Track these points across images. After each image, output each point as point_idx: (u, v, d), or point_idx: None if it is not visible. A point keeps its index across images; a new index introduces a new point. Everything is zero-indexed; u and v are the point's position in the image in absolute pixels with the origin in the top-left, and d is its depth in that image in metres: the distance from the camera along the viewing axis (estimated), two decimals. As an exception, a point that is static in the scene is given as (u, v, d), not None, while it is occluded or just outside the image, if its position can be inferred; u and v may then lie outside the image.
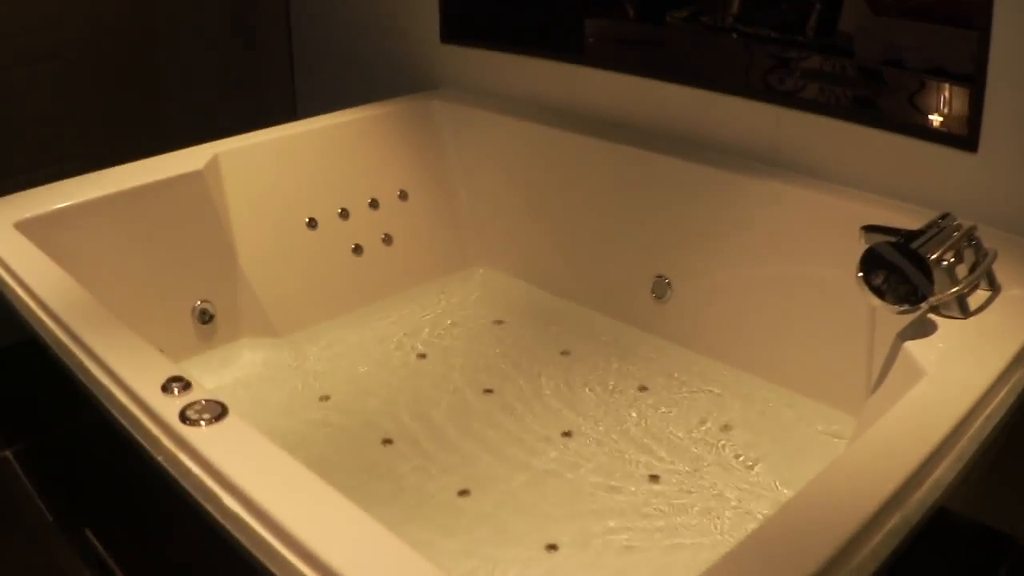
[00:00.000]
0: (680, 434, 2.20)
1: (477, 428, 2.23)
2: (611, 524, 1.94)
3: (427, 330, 2.61)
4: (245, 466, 1.33)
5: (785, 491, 2.01)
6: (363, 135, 2.72)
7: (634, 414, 2.27)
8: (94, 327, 1.67)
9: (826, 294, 2.26)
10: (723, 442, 2.18)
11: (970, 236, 1.81)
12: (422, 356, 2.50)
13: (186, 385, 1.47)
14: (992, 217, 2.04)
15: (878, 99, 2.29)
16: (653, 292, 2.55)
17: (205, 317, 2.41)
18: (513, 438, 2.20)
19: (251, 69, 3.53)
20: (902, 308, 1.68)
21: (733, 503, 1.99)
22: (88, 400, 1.60)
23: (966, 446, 1.43)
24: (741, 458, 2.12)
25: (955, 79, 2.14)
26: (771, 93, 2.37)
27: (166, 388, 1.47)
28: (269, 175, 2.53)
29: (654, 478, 2.07)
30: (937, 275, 1.70)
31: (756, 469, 2.09)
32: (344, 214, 2.65)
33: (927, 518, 1.30)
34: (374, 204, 2.72)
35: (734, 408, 2.30)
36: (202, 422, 1.40)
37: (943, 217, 1.87)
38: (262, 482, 1.29)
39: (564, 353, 2.51)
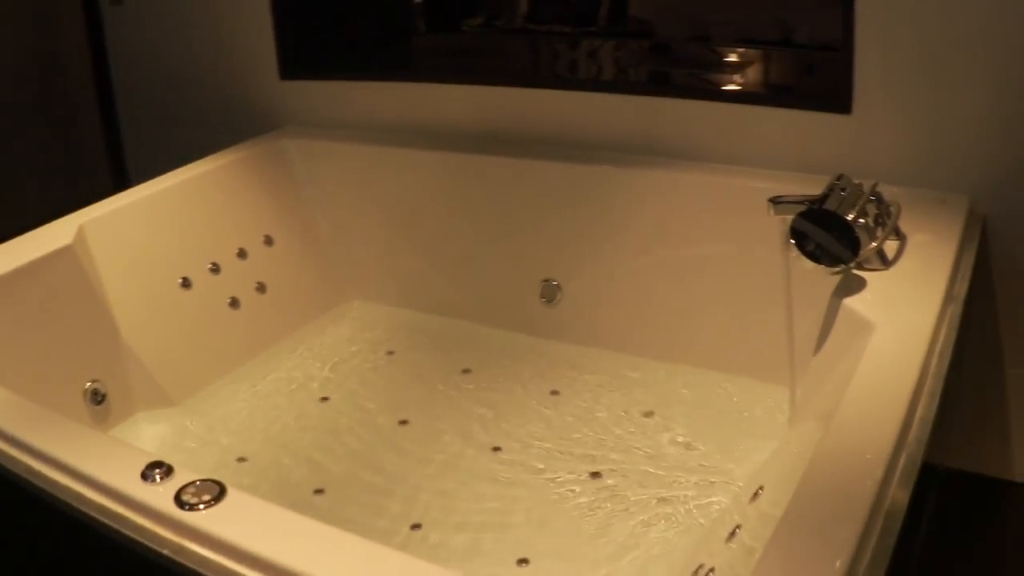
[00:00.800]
0: (607, 429, 2.24)
1: (404, 460, 2.20)
2: (581, 527, 1.96)
3: (321, 372, 2.55)
4: (269, 537, 1.27)
5: (730, 465, 2.09)
6: (219, 185, 2.63)
7: (555, 418, 2.30)
8: (24, 424, 1.55)
9: (722, 271, 2.36)
10: (651, 429, 2.23)
11: (872, 192, 1.92)
12: (325, 399, 2.44)
13: (168, 470, 1.39)
14: (871, 172, 2.10)
15: (729, 73, 2.42)
16: (542, 296, 2.58)
17: (97, 398, 2.27)
18: (446, 463, 2.18)
19: (66, 148, 3.37)
20: (837, 268, 1.78)
21: (686, 485, 2.05)
22: (52, 513, 1.46)
23: (934, 384, 1.54)
24: (676, 440, 2.18)
25: (820, 47, 2.29)
26: (638, 85, 2.46)
27: (147, 476, 1.38)
28: (137, 239, 2.41)
29: (595, 475, 2.10)
30: (858, 233, 1.80)
31: (694, 449, 2.15)
32: (215, 268, 2.55)
33: (925, 455, 1.41)
34: (242, 254, 2.63)
35: (650, 395, 2.36)
36: (201, 505, 1.32)
37: (839, 179, 1.97)
38: (293, 548, 1.24)
39: (466, 371, 2.51)
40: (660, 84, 2.46)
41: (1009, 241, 2.12)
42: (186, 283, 2.48)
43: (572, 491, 2.06)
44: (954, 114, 2.11)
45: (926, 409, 1.49)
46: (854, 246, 1.78)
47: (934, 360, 1.60)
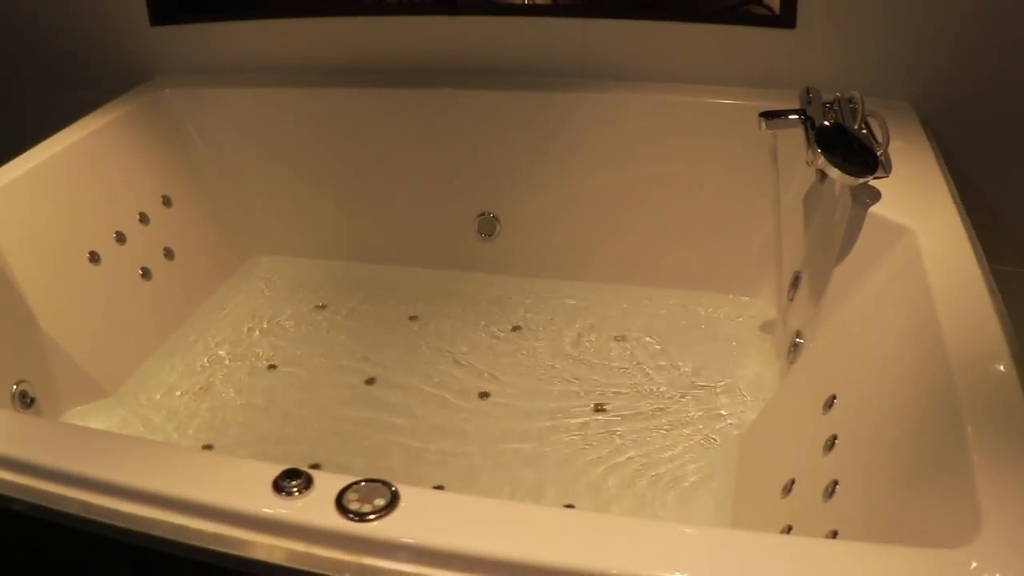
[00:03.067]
0: (586, 359, 2.14)
1: (395, 425, 1.99)
2: (613, 467, 1.84)
3: (255, 337, 2.28)
4: (477, 531, 1.07)
5: (723, 379, 2.04)
6: (107, 145, 2.26)
7: (527, 355, 2.17)
8: (51, 447, 1.24)
9: (672, 189, 2.27)
10: (630, 353, 2.14)
11: (851, 102, 1.88)
12: (273, 367, 2.18)
13: (306, 479, 1.14)
14: (815, 83, 2.04)
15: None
16: (480, 231, 2.42)
17: (26, 400, 1.93)
18: (441, 420, 1.99)
19: None
20: (864, 178, 1.73)
21: (689, 405, 1.98)
22: (155, 561, 1.16)
23: (989, 282, 1.51)
24: (660, 363, 2.11)
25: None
26: (568, 8, 2.30)
27: (283, 489, 1.13)
28: (34, 214, 2.04)
29: (600, 409, 2.00)
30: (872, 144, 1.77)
31: (680, 368, 2.09)
32: (120, 238, 2.21)
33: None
34: (144, 219, 2.29)
35: (614, 320, 2.26)
36: (372, 516, 1.08)
37: (809, 91, 1.93)
38: (508, 536, 1.06)
39: (413, 318, 2.32)
40: (593, 5, 2.31)
41: (949, 142, 2.13)
42: (94, 257, 2.13)
43: (585, 430, 1.94)
44: (891, 24, 2.10)
45: (1000, 308, 1.47)
46: (872, 157, 1.74)
47: (982, 259, 1.58)
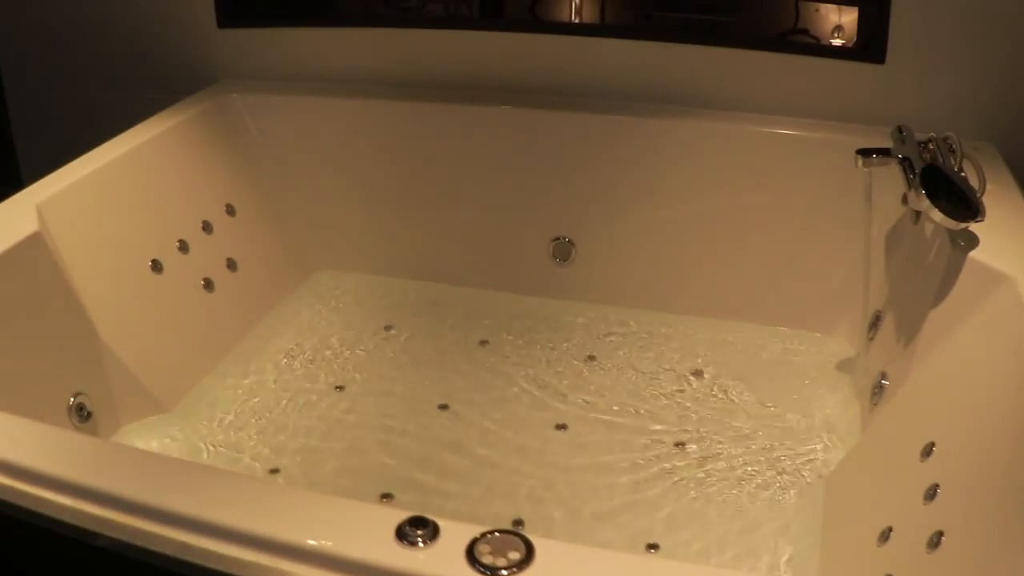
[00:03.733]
0: (664, 393, 2.01)
1: (470, 453, 1.86)
2: (704, 506, 1.72)
3: (321, 356, 2.14)
4: None
5: (803, 418, 1.93)
6: (172, 149, 2.14)
7: (602, 386, 2.04)
8: (133, 477, 1.12)
9: (754, 221, 2.16)
10: (708, 388, 2.02)
11: (948, 143, 1.80)
12: (340, 388, 2.05)
13: (433, 529, 1.01)
14: (900, 119, 1.99)
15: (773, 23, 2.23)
16: (555, 256, 2.29)
17: (83, 414, 1.80)
18: (519, 450, 1.87)
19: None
20: (967, 223, 1.62)
21: (773, 444, 1.86)
22: None
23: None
24: (741, 398, 1.99)
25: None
26: (656, 30, 2.19)
27: (406, 537, 1.00)
28: (98, 219, 1.92)
29: (679, 445, 1.87)
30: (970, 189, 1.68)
31: (763, 405, 1.97)
32: (183, 247, 2.09)
33: None
34: (207, 227, 2.17)
35: (691, 352, 2.14)
36: (506, 570, 0.96)
37: (902, 130, 1.87)
38: None
39: (483, 343, 2.19)
40: (682, 30, 2.20)
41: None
42: (156, 266, 2.01)
43: (669, 467, 1.81)
44: (979, 64, 2.01)
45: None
46: (971, 201, 1.64)
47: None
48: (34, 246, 1.73)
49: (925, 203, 1.65)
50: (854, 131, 2.08)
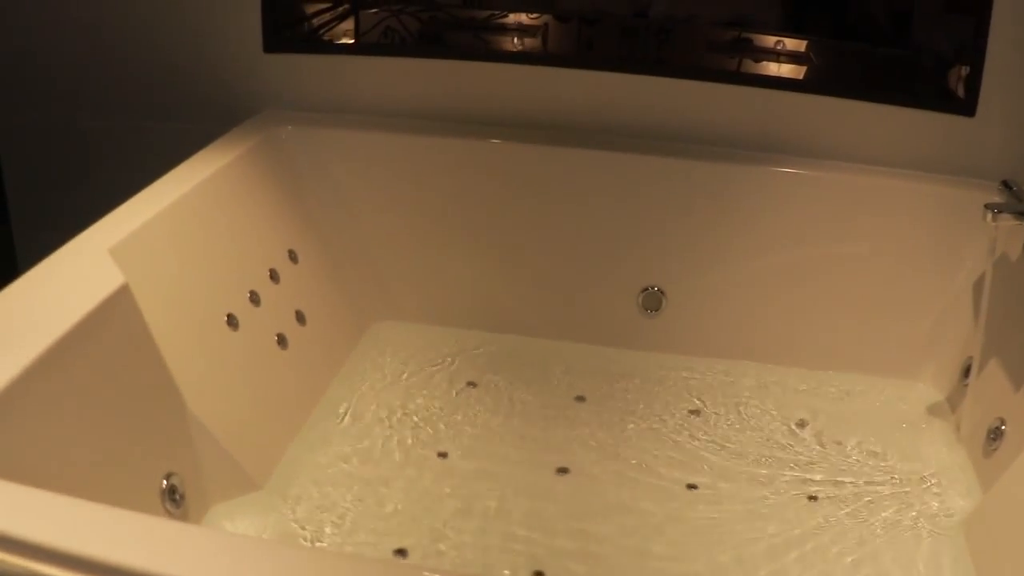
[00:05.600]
0: (778, 446, 1.83)
1: (606, 520, 1.62)
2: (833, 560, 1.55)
3: (410, 420, 1.85)
4: None
5: (921, 467, 1.78)
6: (232, 189, 1.83)
7: (714, 442, 1.83)
8: None
9: (850, 271, 2.01)
10: (817, 439, 1.86)
11: None
12: (443, 455, 1.76)
13: None
14: (987, 172, 1.95)
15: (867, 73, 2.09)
16: (644, 306, 2.06)
17: (176, 497, 1.48)
18: (660, 515, 1.64)
19: None
20: None
21: (899, 494, 1.71)
22: None
23: None
24: (855, 451, 1.83)
25: (947, 52, 2.01)
26: (747, 77, 2.01)
27: None
28: (173, 267, 1.59)
29: (812, 499, 1.69)
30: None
31: (877, 456, 1.81)
32: (255, 298, 1.77)
33: None
34: (274, 276, 1.86)
35: (792, 403, 1.96)
36: None
37: (1010, 184, 1.82)
38: None
39: (580, 399, 1.94)
40: (770, 77, 2.03)
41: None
42: (232, 321, 1.69)
43: (795, 519, 1.64)
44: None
45: None
46: None
47: None
48: (122, 302, 1.41)
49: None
50: (944, 181, 1.98)
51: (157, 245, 1.58)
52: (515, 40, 2.26)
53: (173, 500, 1.47)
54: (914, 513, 1.67)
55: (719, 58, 2.22)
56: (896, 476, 1.77)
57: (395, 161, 2.07)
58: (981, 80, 1.93)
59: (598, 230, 2.04)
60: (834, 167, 2.00)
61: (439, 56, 2.08)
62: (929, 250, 2.00)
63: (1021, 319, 1.77)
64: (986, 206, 1.72)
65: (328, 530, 1.56)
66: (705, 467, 1.77)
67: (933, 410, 1.97)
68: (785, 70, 2.16)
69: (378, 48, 2.09)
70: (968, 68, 1.94)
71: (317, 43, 2.08)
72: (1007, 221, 1.71)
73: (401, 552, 1.53)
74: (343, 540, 1.54)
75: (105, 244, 1.50)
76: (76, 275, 1.42)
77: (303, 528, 1.56)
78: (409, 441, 1.79)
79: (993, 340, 1.82)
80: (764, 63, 2.18)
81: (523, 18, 2.27)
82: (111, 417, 1.36)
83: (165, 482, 1.46)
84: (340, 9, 2.20)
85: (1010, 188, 1.81)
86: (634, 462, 1.77)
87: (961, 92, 1.95)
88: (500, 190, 2.06)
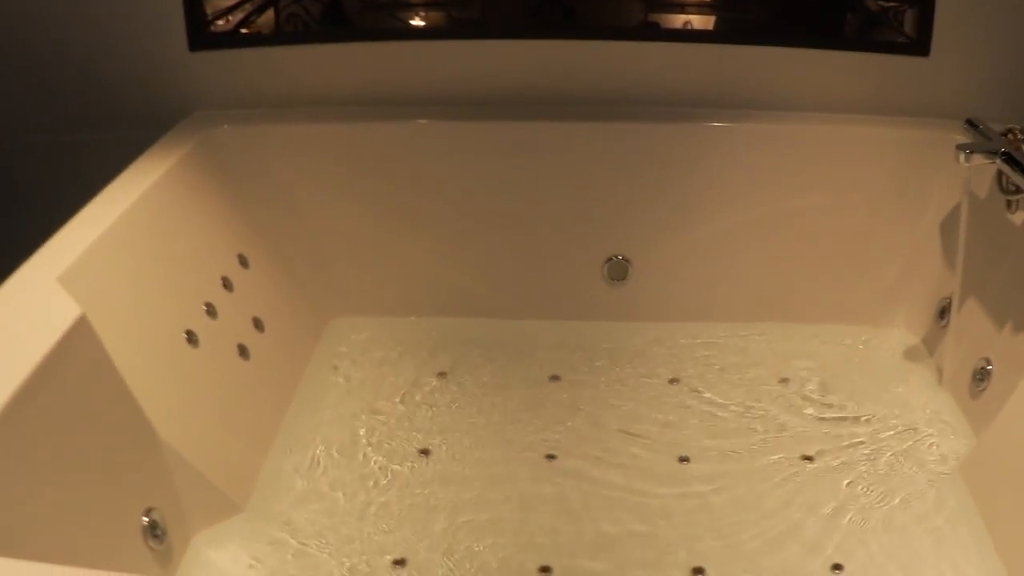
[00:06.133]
0: (764, 406, 1.80)
1: (603, 503, 1.57)
2: (838, 516, 1.54)
3: (384, 418, 1.77)
4: None
5: (904, 413, 1.78)
6: (175, 197, 1.71)
7: (699, 408, 1.80)
8: None
9: (817, 222, 1.98)
10: (803, 395, 1.84)
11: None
12: (425, 452, 1.69)
13: None
14: (945, 111, 1.94)
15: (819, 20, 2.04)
16: (611, 276, 2.00)
17: (157, 532, 1.38)
18: (639, 493, 1.60)
19: None
20: None
21: (893, 444, 1.70)
22: None
23: None
24: (842, 404, 1.81)
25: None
26: (695, 32, 1.94)
27: None
28: (124, 290, 1.47)
29: (807, 458, 1.67)
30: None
31: (858, 405, 1.81)
32: (211, 311, 1.67)
33: None
34: (227, 284, 1.75)
35: (770, 360, 1.93)
36: None
37: (976, 123, 1.79)
38: None
39: (555, 378, 1.88)
40: (728, 30, 1.97)
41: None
42: (192, 338, 1.59)
43: (805, 483, 1.61)
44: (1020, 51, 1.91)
45: None
46: None
47: None
48: (81, 334, 1.30)
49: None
50: (903, 124, 1.96)
51: (107, 268, 1.47)
52: (451, 14, 2.18)
53: (155, 536, 1.37)
54: (910, 462, 1.67)
55: (663, 16, 2.15)
56: (887, 425, 1.76)
57: (336, 151, 1.97)
58: (933, 19, 1.90)
59: (555, 203, 1.98)
60: (792, 118, 1.95)
61: (366, 39, 1.97)
62: (893, 194, 1.98)
63: (998, 257, 1.76)
64: (958, 147, 1.68)
65: (320, 545, 1.48)
66: (694, 437, 1.73)
67: (911, 355, 1.97)
68: (731, 22, 2.11)
69: (306, 36, 1.98)
70: (919, 7, 1.91)
71: (243, 37, 1.96)
72: (978, 161, 1.68)
73: (400, 563, 1.46)
74: (338, 554, 1.47)
75: (52, 272, 1.38)
76: (28, 309, 1.30)
77: (294, 546, 1.48)
78: (388, 441, 1.71)
79: (971, 280, 1.81)
80: (709, 17, 2.13)
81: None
82: (83, 459, 1.26)
83: (146, 518, 1.36)
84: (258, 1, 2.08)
85: (976, 127, 1.78)
86: (621, 441, 1.72)
87: (914, 32, 1.93)
88: (447, 171, 1.98)
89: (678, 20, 2.16)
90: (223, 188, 1.86)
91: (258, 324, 1.79)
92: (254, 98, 1.98)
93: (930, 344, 1.94)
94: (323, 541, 1.49)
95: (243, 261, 1.83)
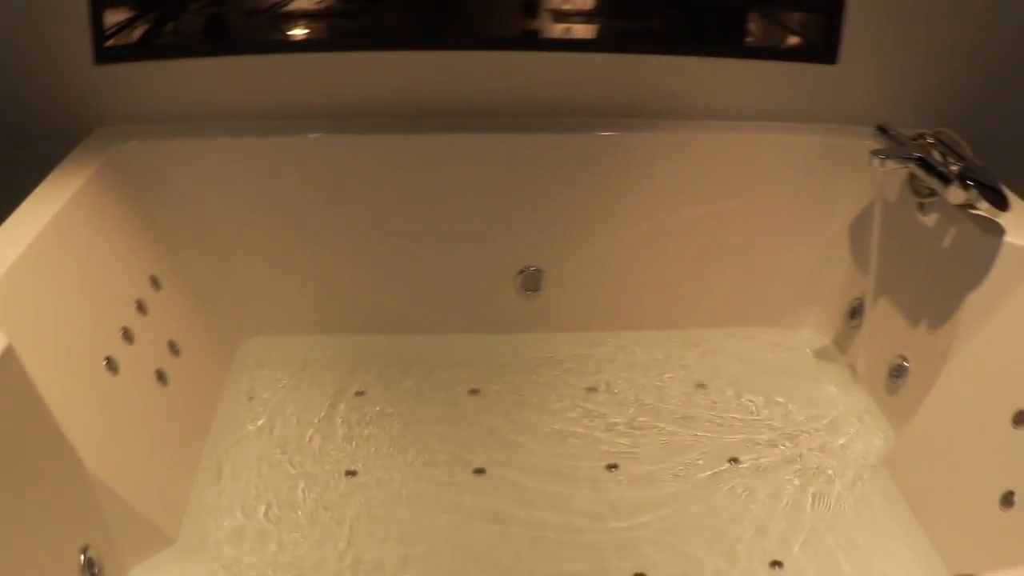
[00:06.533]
0: (684, 413, 1.84)
1: (535, 518, 1.57)
2: (772, 519, 1.59)
3: (305, 442, 1.72)
4: None
5: (822, 412, 1.85)
6: (86, 217, 1.62)
7: (619, 416, 1.82)
8: None
9: (728, 227, 2.04)
10: (722, 398, 1.89)
11: (939, 137, 1.81)
12: (352, 474, 1.66)
13: None
14: (854, 117, 2.03)
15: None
16: (524, 287, 2.02)
17: (95, 570, 1.30)
18: (572, 499, 1.62)
19: None
20: (1007, 210, 1.63)
21: (817, 443, 1.77)
22: None
23: None
24: (760, 406, 1.87)
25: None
26: (604, 42, 1.97)
27: None
28: (43, 317, 1.39)
29: (734, 461, 1.72)
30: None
31: (775, 406, 1.87)
32: (127, 335, 1.59)
33: None
34: (142, 308, 1.68)
35: (686, 365, 1.98)
36: None
37: (887, 129, 1.87)
38: None
39: (474, 392, 1.88)
40: (637, 41, 2.00)
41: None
42: (111, 365, 1.51)
43: (742, 483, 1.67)
44: (928, 57, 2.01)
45: None
46: (999, 190, 1.65)
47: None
48: (9, 365, 1.23)
49: (969, 195, 1.63)
50: (812, 131, 2.03)
51: (23, 295, 1.38)
52: (345, 22, 2.15)
53: (93, 574, 1.31)
54: (834, 458, 1.73)
55: (574, 27, 2.18)
56: (808, 423, 1.83)
57: (240, 166, 1.91)
58: (841, 28, 1.97)
59: (465, 216, 1.98)
60: (702, 126, 2.00)
61: (273, 51, 1.93)
62: (802, 199, 2.05)
63: (910, 258, 1.84)
64: (872, 152, 1.74)
65: (256, 570, 1.45)
66: (618, 443, 1.76)
67: (822, 354, 2.06)
68: (640, 32, 2.15)
69: (225, 47, 1.91)
70: (827, 16, 1.97)
71: (152, 49, 1.88)
72: (892, 166, 1.74)
73: (343, 586, 1.44)
74: (275, 582, 1.44)
75: (-40, 302, 1.31)
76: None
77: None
78: (310, 464, 1.67)
79: (884, 280, 1.90)
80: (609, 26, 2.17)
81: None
82: (17, 498, 1.19)
83: (82, 557, 1.30)
84: (159, 12, 2.00)
85: (886, 132, 1.85)
86: (546, 451, 1.73)
87: (822, 41, 1.99)
88: (357, 185, 1.95)
89: (587, 30, 2.19)
90: (133, 206, 1.78)
91: (173, 348, 1.72)
92: (161, 113, 1.90)
93: (841, 344, 2.03)
94: (259, 572, 1.45)
95: (155, 283, 1.76)
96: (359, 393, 1.86)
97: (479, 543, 1.52)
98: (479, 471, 1.67)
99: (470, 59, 1.93)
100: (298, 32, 2.12)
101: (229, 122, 1.93)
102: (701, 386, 1.92)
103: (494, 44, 1.92)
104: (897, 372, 1.82)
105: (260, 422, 1.77)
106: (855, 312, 2.00)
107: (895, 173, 1.83)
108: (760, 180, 2.01)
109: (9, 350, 1.23)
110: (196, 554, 1.46)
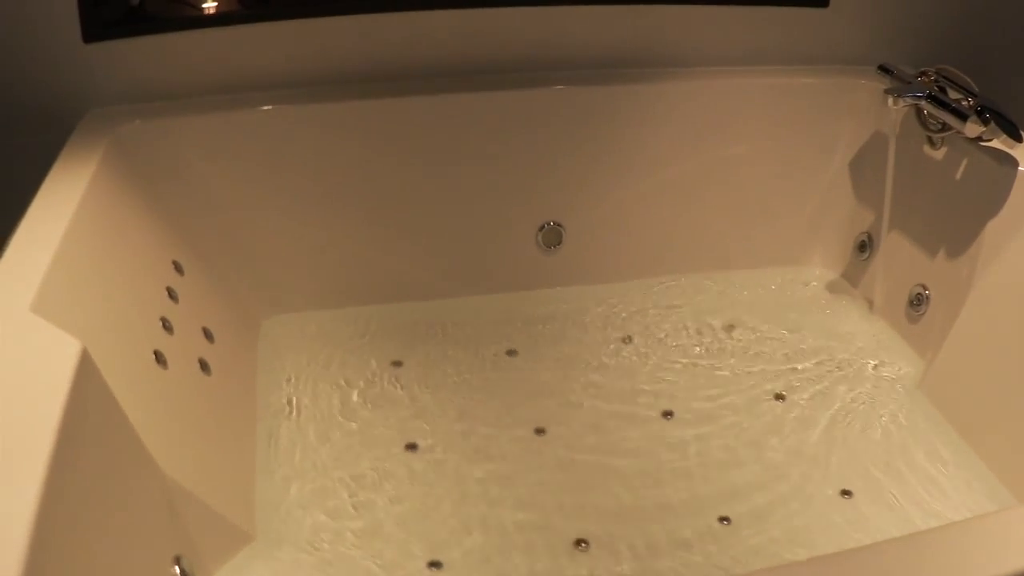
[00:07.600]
0: (721, 357, 1.82)
1: (604, 472, 1.53)
2: (830, 450, 1.60)
3: (355, 417, 1.63)
4: None
5: (848, 344, 1.86)
6: (106, 206, 1.47)
7: (663, 365, 1.79)
8: None
9: (736, 173, 2.00)
10: (756, 337, 1.88)
11: (943, 74, 1.80)
12: (412, 447, 1.57)
13: None
14: (847, 58, 2.02)
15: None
16: (545, 243, 1.94)
17: (189, 580, 1.21)
18: (637, 453, 1.58)
19: None
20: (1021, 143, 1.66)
21: (850, 376, 1.78)
22: None
23: None
24: (790, 342, 1.86)
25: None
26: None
27: None
28: (93, 315, 1.26)
29: (779, 397, 1.72)
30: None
31: (805, 342, 1.86)
32: (167, 325, 1.47)
33: None
34: (173, 295, 1.55)
35: (713, 308, 1.96)
36: None
37: (889, 69, 1.85)
38: None
39: (512, 353, 1.80)
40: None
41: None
42: (160, 359, 1.39)
43: (794, 415, 1.67)
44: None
45: None
46: (1012, 121, 1.65)
47: None
48: (88, 373, 1.11)
49: (991, 127, 1.63)
50: (809, 72, 2.00)
51: (72, 295, 1.25)
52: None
53: (186, 585, 1.21)
54: (872, 388, 1.74)
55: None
56: (836, 356, 1.83)
57: (251, 140, 1.77)
58: None
59: (482, 175, 1.88)
60: (704, 74, 1.95)
61: (271, 19, 1.78)
62: (803, 139, 2.02)
63: (920, 191, 1.85)
64: (886, 91, 1.73)
65: (362, 565, 1.36)
66: (668, 391, 1.72)
67: (834, 288, 2.05)
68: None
69: (210, 20, 1.75)
70: None
71: (141, 24, 1.71)
72: (905, 103, 1.73)
73: (435, 565, 1.37)
74: (370, 564, 1.36)
75: (21, 302, 1.17)
76: (18, 347, 1.10)
77: (320, 560, 1.35)
78: (368, 442, 1.58)
79: (895, 214, 1.89)
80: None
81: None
82: (108, 521, 1.08)
83: (177, 568, 1.20)
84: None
85: (889, 72, 1.83)
86: (599, 404, 1.68)
87: None
88: (369, 152, 1.83)
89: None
90: (144, 190, 1.63)
91: (207, 334, 1.60)
92: (158, 90, 1.74)
93: (851, 278, 2.03)
94: (347, 547, 1.37)
95: (178, 268, 1.62)
96: (396, 363, 1.77)
97: (573, 489, 1.49)
98: (540, 431, 1.62)
99: (465, 17, 1.82)
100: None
101: (231, 95, 1.77)
102: (728, 327, 1.90)
103: (482, 1, 1.81)
104: (918, 300, 1.83)
105: (305, 401, 1.66)
106: (863, 246, 2.00)
107: (895, 110, 1.81)
108: (763, 124, 1.98)
109: (85, 356, 1.11)
110: (278, 547, 1.36)
